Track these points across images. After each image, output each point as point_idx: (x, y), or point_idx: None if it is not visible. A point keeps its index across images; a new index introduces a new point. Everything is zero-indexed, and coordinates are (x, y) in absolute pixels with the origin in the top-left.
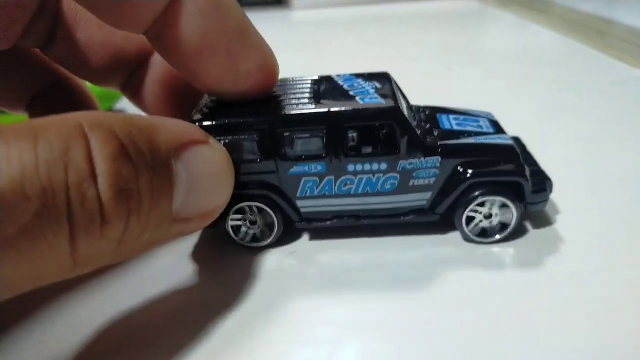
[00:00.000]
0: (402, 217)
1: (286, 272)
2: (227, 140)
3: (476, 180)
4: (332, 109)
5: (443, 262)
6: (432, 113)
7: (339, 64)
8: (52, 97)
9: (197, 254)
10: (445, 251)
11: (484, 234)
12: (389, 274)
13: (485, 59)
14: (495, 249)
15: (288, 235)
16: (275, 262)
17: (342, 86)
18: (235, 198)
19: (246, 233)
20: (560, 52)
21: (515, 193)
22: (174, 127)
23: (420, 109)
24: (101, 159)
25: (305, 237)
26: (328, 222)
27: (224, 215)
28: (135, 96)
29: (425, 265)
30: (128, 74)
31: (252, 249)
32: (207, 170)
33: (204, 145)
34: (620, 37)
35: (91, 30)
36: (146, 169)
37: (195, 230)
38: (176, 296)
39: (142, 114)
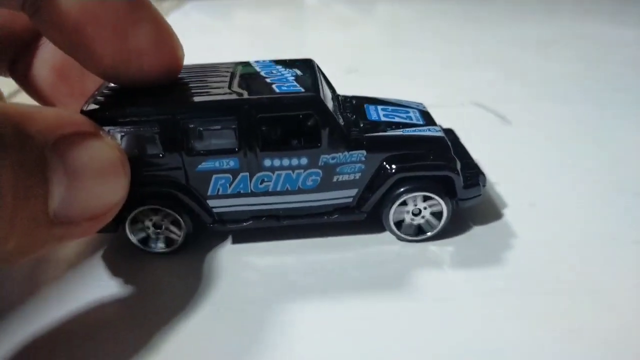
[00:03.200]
0: (326, 217)
1: (227, 277)
2: (123, 133)
3: (403, 176)
4: (243, 97)
5: (386, 262)
6: (360, 103)
7: None
8: None
9: (109, 263)
10: (384, 250)
11: (420, 232)
12: (335, 276)
13: None
14: (433, 247)
15: (204, 240)
16: (203, 267)
17: (259, 73)
18: (135, 200)
19: (156, 239)
20: None
21: (445, 188)
22: (52, 117)
23: (347, 99)
24: None
25: (227, 241)
26: (245, 224)
27: (122, 220)
28: (25, 81)
29: (367, 266)
30: (13, 56)
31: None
32: (94, 166)
33: (91, 138)
34: None
35: None
36: (10, 163)
37: (82, 235)
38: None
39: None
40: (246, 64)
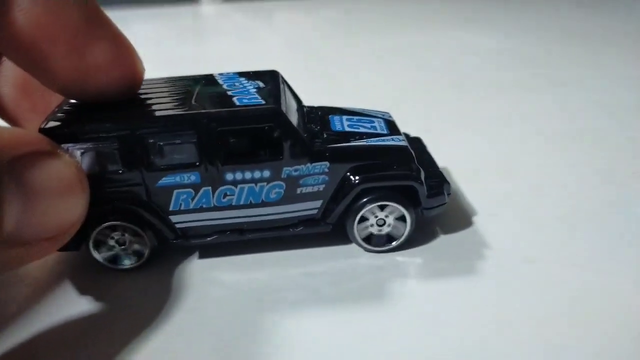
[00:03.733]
0: (291, 230)
1: (194, 294)
2: (82, 150)
3: (366, 186)
4: (202, 111)
5: (355, 275)
6: (325, 114)
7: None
8: None
9: (74, 282)
10: (352, 263)
11: (390, 239)
12: (310, 291)
13: None
14: (401, 258)
15: (170, 255)
16: (170, 284)
17: (221, 85)
18: (96, 217)
19: (121, 256)
20: None
21: (409, 198)
22: (7, 137)
23: (313, 110)
24: None
25: (194, 256)
26: (209, 239)
27: (84, 237)
28: None
29: (335, 279)
30: None
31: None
32: (50, 185)
33: (48, 157)
34: None
35: None
36: None
37: (41, 256)
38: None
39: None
40: (209, 77)
